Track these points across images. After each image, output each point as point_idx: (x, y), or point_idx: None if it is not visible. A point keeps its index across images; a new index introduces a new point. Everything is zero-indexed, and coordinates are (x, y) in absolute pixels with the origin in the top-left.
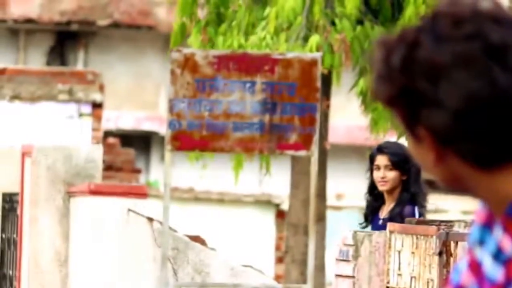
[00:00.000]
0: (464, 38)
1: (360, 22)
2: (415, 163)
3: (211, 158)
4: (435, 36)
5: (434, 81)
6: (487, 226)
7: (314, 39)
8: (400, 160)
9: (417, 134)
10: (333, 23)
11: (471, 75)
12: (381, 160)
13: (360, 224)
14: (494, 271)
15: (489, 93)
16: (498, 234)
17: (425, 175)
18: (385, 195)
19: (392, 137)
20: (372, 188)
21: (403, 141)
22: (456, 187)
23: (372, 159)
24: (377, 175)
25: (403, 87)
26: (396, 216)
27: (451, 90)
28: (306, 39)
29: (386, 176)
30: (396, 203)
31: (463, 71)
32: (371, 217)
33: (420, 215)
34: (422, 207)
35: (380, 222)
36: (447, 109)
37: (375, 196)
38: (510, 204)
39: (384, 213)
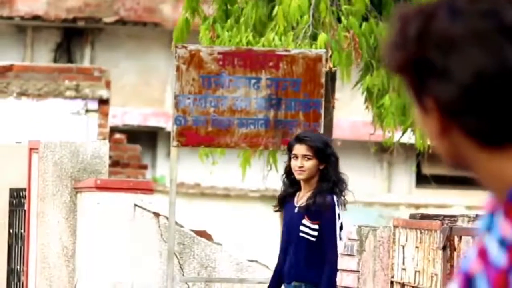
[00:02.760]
0: (480, 14)
1: (365, 19)
2: (334, 152)
3: (222, 155)
4: (452, 10)
5: (445, 53)
6: (493, 213)
7: (322, 37)
8: (319, 150)
9: (424, 104)
10: (338, 21)
11: (482, 51)
12: (300, 149)
13: (274, 206)
14: (498, 256)
15: (498, 71)
16: (500, 219)
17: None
18: (302, 183)
19: (398, 133)
20: (289, 174)
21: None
22: (459, 164)
23: (290, 148)
24: (294, 163)
25: (415, 56)
26: (314, 205)
27: (461, 63)
28: (313, 37)
29: (304, 165)
30: (315, 192)
31: (474, 47)
32: (285, 202)
33: (339, 204)
34: (341, 196)
35: (296, 210)
36: (455, 82)
37: (291, 182)
38: (511, 190)
39: (300, 201)
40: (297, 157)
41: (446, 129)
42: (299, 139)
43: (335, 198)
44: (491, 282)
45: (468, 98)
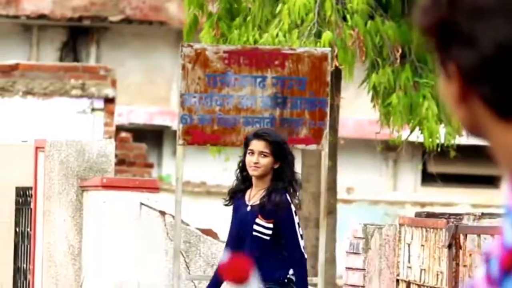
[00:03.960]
0: None
1: (370, 17)
2: (290, 151)
3: (232, 152)
4: None
5: (473, 20)
6: None
7: (327, 36)
8: (277, 147)
9: (447, 69)
10: (344, 19)
11: (509, 23)
12: (257, 145)
13: (224, 200)
14: (509, 236)
15: None
16: (507, 193)
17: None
18: (254, 181)
19: (405, 131)
20: (242, 170)
21: (411, 137)
22: (475, 132)
23: (247, 144)
24: (250, 159)
25: (444, 19)
26: (269, 204)
27: (486, 32)
28: (318, 35)
29: (259, 162)
30: (269, 190)
31: (502, 18)
32: (235, 197)
33: (293, 204)
34: (295, 196)
35: (248, 208)
36: (478, 50)
37: (243, 178)
38: None
39: (252, 199)
40: (253, 153)
41: (465, 96)
42: (258, 135)
43: (289, 197)
44: (500, 260)
45: (488, 67)
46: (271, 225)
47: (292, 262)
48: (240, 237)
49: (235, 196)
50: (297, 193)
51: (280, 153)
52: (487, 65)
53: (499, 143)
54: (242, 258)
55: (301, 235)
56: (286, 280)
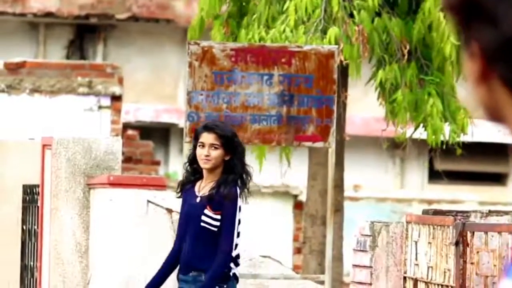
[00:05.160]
0: None
1: (377, 14)
2: (241, 144)
3: None
4: None
5: (498, 1)
6: None
7: (333, 31)
8: (227, 140)
9: (470, 48)
10: (351, 16)
11: None
12: (207, 138)
13: (176, 192)
14: None
15: None
16: None
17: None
18: (205, 173)
19: (410, 128)
20: (192, 163)
21: (419, 133)
22: (492, 114)
23: (197, 136)
24: (201, 152)
25: None
26: (218, 195)
27: (509, 12)
28: (324, 31)
29: (210, 155)
30: (219, 182)
31: None
32: (184, 189)
33: (242, 197)
34: (245, 189)
35: (198, 199)
36: (500, 29)
37: (193, 170)
38: None
39: (202, 190)
40: (204, 146)
41: (486, 76)
42: (208, 128)
43: (238, 190)
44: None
45: (509, 47)
46: (219, 217)
47: (217, 254)
48: (188, 229)
49: (184, 188)
50: (247, 186)
51: (230, 145)
52: (508, 45)
53: None
54: None
55: (238, 233)
56: (228, 274)
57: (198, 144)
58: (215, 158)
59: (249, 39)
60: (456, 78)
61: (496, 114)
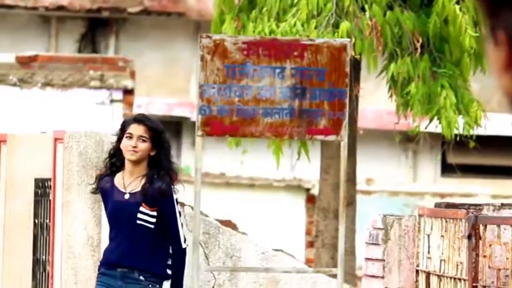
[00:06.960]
0: None
1: (389, 8)
2: (168, 140)
3: (251, 144)
4: None
5: None
6: None
7: (345, 25)
8: (156, 134)
9: (497, 37)
10: (362, 9)
11: None
12: (137, 129)
13: (92, 188)
14: None
15: None
16: None
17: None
18: (129, 167)
19: (424, 122)
20: (113, 156)
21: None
22: None
23: (124, 128)
24: (128, 143)
25: None
26: (152, 191)
27: None
28: (336, 25)
29: (138, 146)
30: (149, 177)
31: None
32: (101, 184)
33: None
34: (172, 185)
35: (127, 196)
36: None
37: (111, 164)
38: None
39: (129, 186)
40: (132, 137)
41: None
42: (138, 120)
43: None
44: None
45: None
46: (155, 213)
47: (173, 253)
48: (118, 225)
49: (101, 183)
50: (173, 182)
51: (158, 140)
52: None
53: None
54: None
55: (181, 224)
56: (166, 274)
57: (126, 135)
58: (142, 151)
59: (258, 32)
60: (474, 71)
61: None
